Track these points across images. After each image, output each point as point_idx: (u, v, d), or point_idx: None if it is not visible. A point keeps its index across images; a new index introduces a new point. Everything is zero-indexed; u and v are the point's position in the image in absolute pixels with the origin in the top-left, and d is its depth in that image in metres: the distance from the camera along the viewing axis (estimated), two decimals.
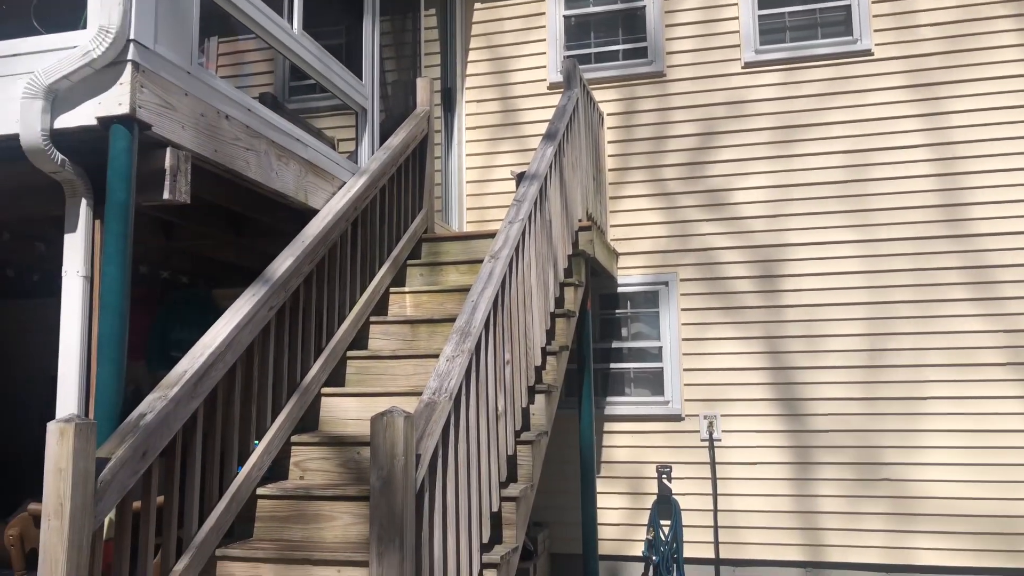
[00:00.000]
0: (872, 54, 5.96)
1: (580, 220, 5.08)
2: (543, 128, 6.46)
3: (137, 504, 2.77)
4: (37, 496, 5.37)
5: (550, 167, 4.47)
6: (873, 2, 6.01)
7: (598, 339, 6.11)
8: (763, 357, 5.88)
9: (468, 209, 6.57)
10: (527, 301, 3.86)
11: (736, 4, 6.26)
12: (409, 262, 5.05)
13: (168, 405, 2.81)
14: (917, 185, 5.77)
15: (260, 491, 3.38)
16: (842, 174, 5.90)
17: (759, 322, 5.91)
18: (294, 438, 3.66)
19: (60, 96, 2.97)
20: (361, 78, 5.02)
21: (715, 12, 6.30)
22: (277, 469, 3.59)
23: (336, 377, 4.13)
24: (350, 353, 4.23)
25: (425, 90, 5.45)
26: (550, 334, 4.29)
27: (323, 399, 3.94)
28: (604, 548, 5.59)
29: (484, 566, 2.97)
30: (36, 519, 3.05)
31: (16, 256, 4.91)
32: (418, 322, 4.45)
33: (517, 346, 3.63)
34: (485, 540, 3.01)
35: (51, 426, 2.43)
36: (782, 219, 5.97)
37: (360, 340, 4.39)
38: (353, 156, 4.98)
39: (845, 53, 6.00)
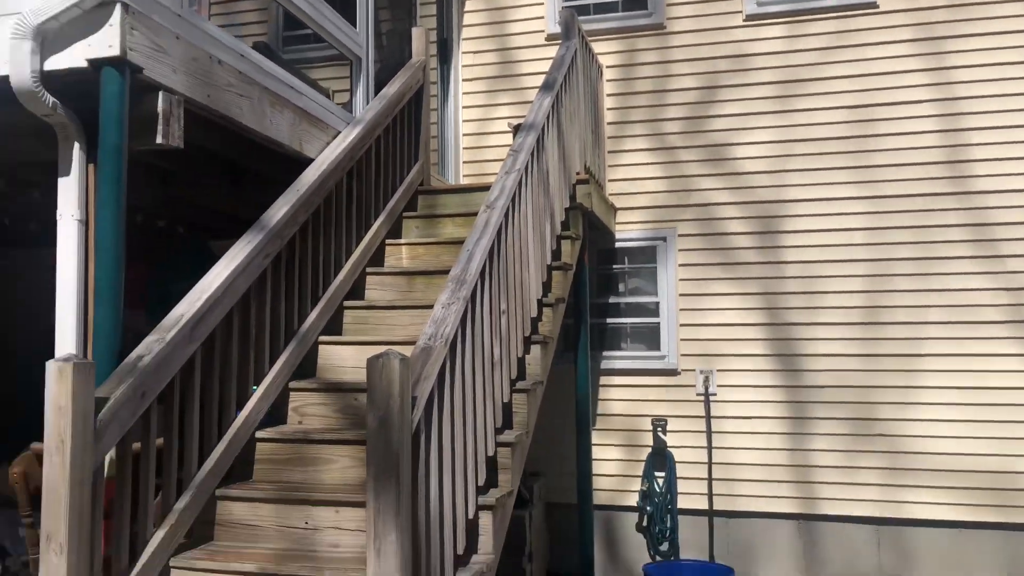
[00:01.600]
0: (877, 6, 5.87)
1: (578, 173, 5.05)
2: (541, 80, 6.39)
3: (137, 445, 2.79)
4: (40, 438, 5.41)
5: (547, 118, 4.43)
6: None
7: (595, 294, 6.12)
8: (761, 313, 5.89)
9: (464, 162, 6.53)
10: (523, 252, 3.85)
11: None
12: (405, 214, 5.03)
13: (165, 348, 2.82)
14: (921, 141, 5.72)
15: (259, 435, 3.41)
16: (845, 129, 5.85)
17: (758, 278, 5.91)
18: (292, 384, 3.68)
19: (49, 38, 2.92)
20: (355, 26, 4.95)
21: None
22: (276, 414, 3.61)
23: (333, 326, 4.14)
24: (347, 303, 4.23)
25: (420, 40, 5.38)
26: (546, 286, 4.29)
27: (320, 347, 3.95)
28: (599, 498, 5.66)
29: (480, 508, 3.01)
30: (40, 458, 3.07)
31: (11, 203, 4.89)
32: (414, 274, 4.45)
33: (513, 296, 3.63)
34: (481, 483, 3.05)
35: (50, 365, 2.44)
36: (783, 175, 5.93)
37: (356, 290, 4.39)
38: (348, 106, 4.94)
39: (850, 5, 5.91)
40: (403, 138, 5.06)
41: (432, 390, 2.62)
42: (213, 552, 3.00)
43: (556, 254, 4.52)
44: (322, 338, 3.96)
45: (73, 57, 2.90)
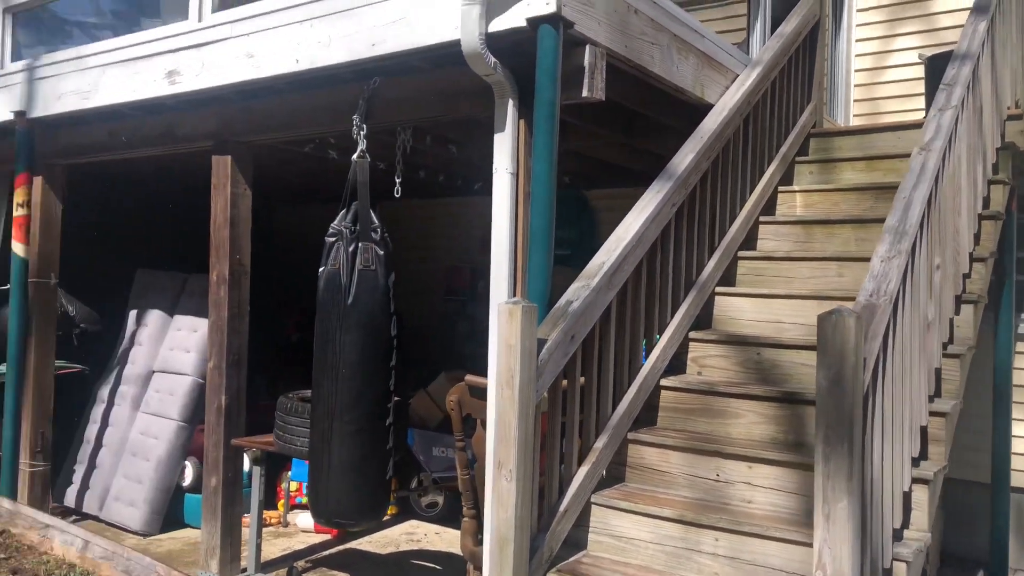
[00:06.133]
0: None
1: (1009, 108, 4.37)
2: (951, 3, 5.63)
3: (563, 383, 2.97)
4: (450, 368, 6.03)
5: (982, 45, 3.85)
6: None
7: (1019, 246, 5.29)
8: None
9: (855, 100, 5.99)
10: (956, 200, 3.42)
11: None
12: (797, 159, 4.74)
13: (591, 295, 2.94)
14: None
15: (663, 382, 3.46)
16: None
17: None
18: (691, 334, 3.68)
19: (493, 1, 3.12)
20: None
21: None
22: (674, 363, 3.63)
23: (727, 276, 4.05)
24: (741, 253, 4.11)
25: None
26: (976, 237, 3.78)
27: (717, 298, 3.89)
28: (1015, 479, 4.97)
29: (915, 480, 2.76)
30: (471, 388, 3.42)
31: (430, 160, 5.45)
32: (812, 222, 4.18)
33: (947, 250, 3.24)
34: (915, 454, 2.79)
35: (501, 306, 2.66)
36: None
37: (749, 240, 4.25)
38: (743, 46, 4.74)
39: None
40: (797, 78, 4.75)
41: (878, 351, 2.42)
42: (628, 493, 3.11)
43: (986, 202, 3.97)
44: (718, 289, 3.89)
45: (513, 17, 3.07)
